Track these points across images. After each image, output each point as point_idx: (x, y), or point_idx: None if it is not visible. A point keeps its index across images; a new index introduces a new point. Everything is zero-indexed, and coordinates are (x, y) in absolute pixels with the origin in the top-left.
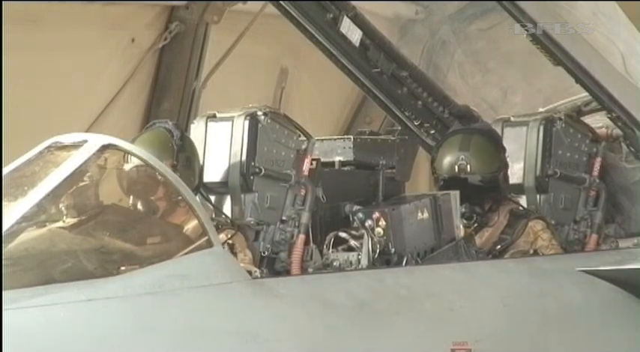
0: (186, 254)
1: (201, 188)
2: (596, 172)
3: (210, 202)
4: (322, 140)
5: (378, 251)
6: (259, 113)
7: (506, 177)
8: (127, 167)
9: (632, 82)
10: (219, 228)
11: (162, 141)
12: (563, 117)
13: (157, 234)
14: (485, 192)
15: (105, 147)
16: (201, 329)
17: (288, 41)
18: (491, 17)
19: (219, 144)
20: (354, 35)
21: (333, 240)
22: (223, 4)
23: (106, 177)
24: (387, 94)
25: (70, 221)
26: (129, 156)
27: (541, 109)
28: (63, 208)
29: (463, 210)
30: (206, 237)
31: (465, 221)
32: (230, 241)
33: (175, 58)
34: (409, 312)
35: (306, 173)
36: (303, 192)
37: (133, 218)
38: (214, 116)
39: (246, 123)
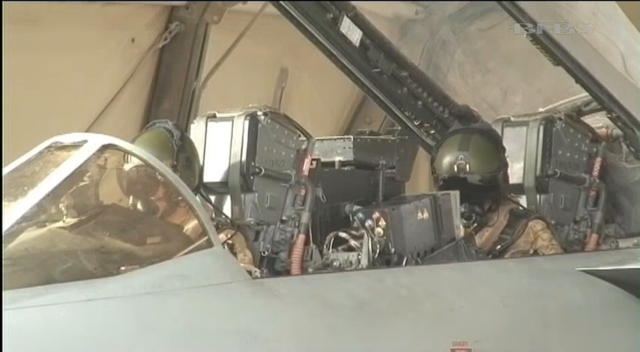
0: (186, 254)
1: (201, 188)
2: (596, 172)
3: (210, 202)
4: (322, 140)
5: (378, 251)
6: (259, 113)
7: (506, 177)
8: (127, 167)
9: (632, 82)
10: (219, 228)
11: (162, 141)
12: (563, 117)
13: (156, 234)
14: (484, 192)
15: (105, 147)
16: (201, 329)
17: (288, 41)
18: (491, 17)
19: (219, 144)
20: (354, 35)
21: (333, 240)
22: (223, 4)
23: (106, 177)
24: (387, 94)
25: (70, 221)
26: (129, 156)
27: (541, 109)
28: (63, 208)
29: (463, 209)
30: (206, 237)
31: (464, 221)
32: (230, 241)
33: (175, 58)
34: (409, 312)
35: (306, 173)
36: (303, 192)
37: (133, 218)
38: (214, 116)
39: (246, 123)
